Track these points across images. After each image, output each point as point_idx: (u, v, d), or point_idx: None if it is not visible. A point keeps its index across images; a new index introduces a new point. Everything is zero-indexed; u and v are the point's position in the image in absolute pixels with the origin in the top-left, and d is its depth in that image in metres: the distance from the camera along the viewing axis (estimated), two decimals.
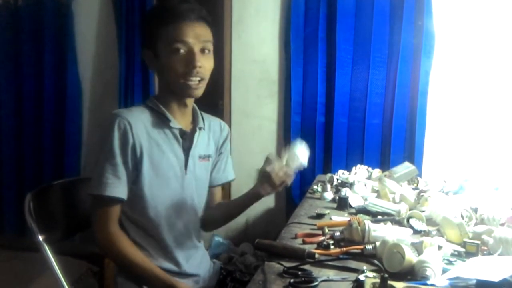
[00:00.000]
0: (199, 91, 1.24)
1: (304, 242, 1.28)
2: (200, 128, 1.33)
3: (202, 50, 1.22)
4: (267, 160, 1.18)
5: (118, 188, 1.17)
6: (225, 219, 1.44)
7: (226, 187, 2.70)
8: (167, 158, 1.25)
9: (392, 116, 2.50)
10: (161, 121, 1.26)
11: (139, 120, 1.22)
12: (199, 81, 1.22)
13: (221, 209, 1.46)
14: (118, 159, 1.17)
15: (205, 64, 1.22)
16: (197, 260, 1.36)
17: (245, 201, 1.34)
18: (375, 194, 1.80)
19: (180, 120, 1.29)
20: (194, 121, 1.34)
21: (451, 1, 2.43)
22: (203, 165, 1.35)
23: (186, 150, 1.29)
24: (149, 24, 1.24)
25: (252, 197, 1.31)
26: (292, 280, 1.01)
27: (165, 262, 1.27)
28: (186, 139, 1.30)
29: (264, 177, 1.18)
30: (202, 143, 1.35)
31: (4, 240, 3.06)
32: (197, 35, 1.21)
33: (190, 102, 1.31)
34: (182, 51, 1.20)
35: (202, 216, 1.39)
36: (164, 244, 1.26)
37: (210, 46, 1.24)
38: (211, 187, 1.43)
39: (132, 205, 1.23)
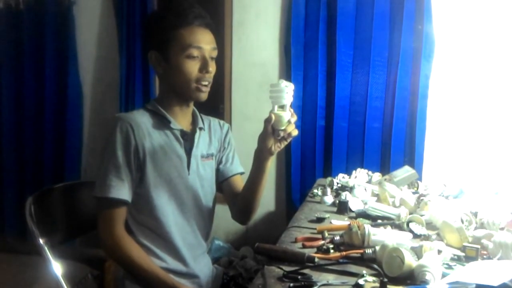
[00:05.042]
0: (206, 95, 1.28)
1: (304, 246, 1.28)
2: (200, 129, 1.35)
3: (211, 56, 1.26)
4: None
5: (122, 190, 1.18)
6: (253, 196, 1.33)
7: None
8: (169, 159, 1.27)
9: (392, 120, 2.50)
10: (162, 122, 1.29)
11: (140, 122, 1.24)
12: (206, 85, 1.26)
13: (244, 189, 1.38)
14: (121, 161, 1.19)
15: (213, 70, 1.27)
16: (203, 261, 1.37)
17: (258, 165, 1.25)
18: (375, 198, 1.81)
19: (180, 121, 1.31)
20: (194, 122, 1.37)
21: (451, 5, 2.44)
22: (207, 164, 1.36)
23: (188, 151, 1.31)
24: (159, 27, 1.24)
25: (261, 156, 1.23)
26: (291, 284, 1.01)
27: (173, 261, 1.27)
28: (187, 140, 1.31)
29: (267, 133, 1.19)
30: (204, 143, 1.36)
31: (5, 243, 3.06)
32: (208, 42, 1.25)
33: (192, 103, 1.33)
34: (196, 56, 1.23)
35: (235, 210, 1.40)
36: (172, 244, 1.27)
37: (216, 52, 1.28)
38: (224, 181, 1.43)
39: (139, 206, 1.24)
